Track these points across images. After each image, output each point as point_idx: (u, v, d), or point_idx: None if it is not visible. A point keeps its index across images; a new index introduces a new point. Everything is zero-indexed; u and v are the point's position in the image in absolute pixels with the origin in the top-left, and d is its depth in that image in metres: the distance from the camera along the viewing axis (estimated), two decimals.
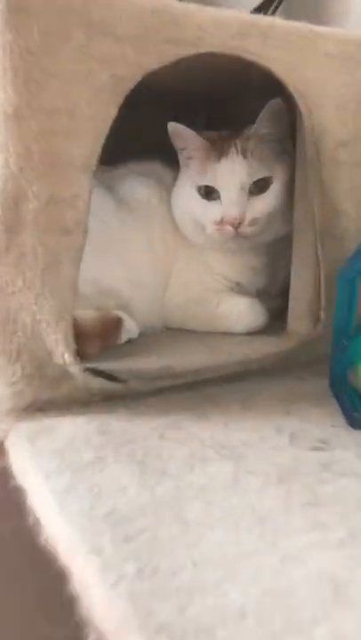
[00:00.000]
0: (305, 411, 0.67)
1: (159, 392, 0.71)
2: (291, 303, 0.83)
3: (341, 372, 0.66)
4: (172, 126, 0.86)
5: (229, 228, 0.83)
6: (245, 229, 0.83)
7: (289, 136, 0.84)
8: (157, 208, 0.92)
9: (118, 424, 0.63)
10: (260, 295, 0.95)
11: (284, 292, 0.87)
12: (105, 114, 0.63)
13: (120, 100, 0.63)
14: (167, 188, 0.93)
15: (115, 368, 0.68)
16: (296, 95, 0.73)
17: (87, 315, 0.75)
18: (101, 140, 0.63)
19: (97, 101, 0.63)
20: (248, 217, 0.83)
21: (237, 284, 0.94)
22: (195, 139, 0.86)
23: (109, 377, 0.69)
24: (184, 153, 0.89)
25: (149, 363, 0.72)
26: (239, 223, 0.82)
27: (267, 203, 0.84)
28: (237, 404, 0.70)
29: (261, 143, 0.85)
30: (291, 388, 0.74)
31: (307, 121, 0.73)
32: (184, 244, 0.92)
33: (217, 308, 0.91)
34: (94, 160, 0.63)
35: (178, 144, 0.89)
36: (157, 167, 0.96)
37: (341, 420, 0.65)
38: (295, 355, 0.79)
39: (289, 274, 0.84)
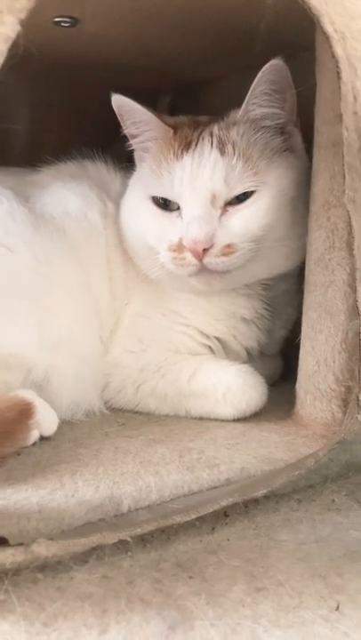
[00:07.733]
0: None
1: (94, 556, 0.43)
2: (303, 373, 0.63)
3: None
4: (118, 100, 0.65)
5: (190, 258, 0.61)
6: (214, 260, 0.61)
7: (296, 122, 0.66)
8: (99, 227, 0.70)
9: None
10: (253, 358, 0.73)
11: (289, 352, 0.70)
12: None
13: None
14: (114, 199, 0.73)
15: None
16: (334, 36, 0.49)
17: None
18: None
19: None
20: (220, 241, 0.61)
21: (219, 341, 0.72)
22: (149, 120, 0.66)
23: None
24: (137, 142, 0.69)
25: (76, 495, 0.48)
26: (204, 250, 0.60)
27: (250, 220, 0.62)
28: (242, 584, 0.42)
29: (252, 132, 0.64)
30: (318, 530, 0.49)
31: (347, 83, 0.49)
32: (140, 280, 0.70)
33: (190, 382, 0.67)
34: None
35: (128, 127, 0.68)
36: (101, 169, 0.77)
37: None
38: (320, 462, 0.55)
39: (296, 326, 0.65)
